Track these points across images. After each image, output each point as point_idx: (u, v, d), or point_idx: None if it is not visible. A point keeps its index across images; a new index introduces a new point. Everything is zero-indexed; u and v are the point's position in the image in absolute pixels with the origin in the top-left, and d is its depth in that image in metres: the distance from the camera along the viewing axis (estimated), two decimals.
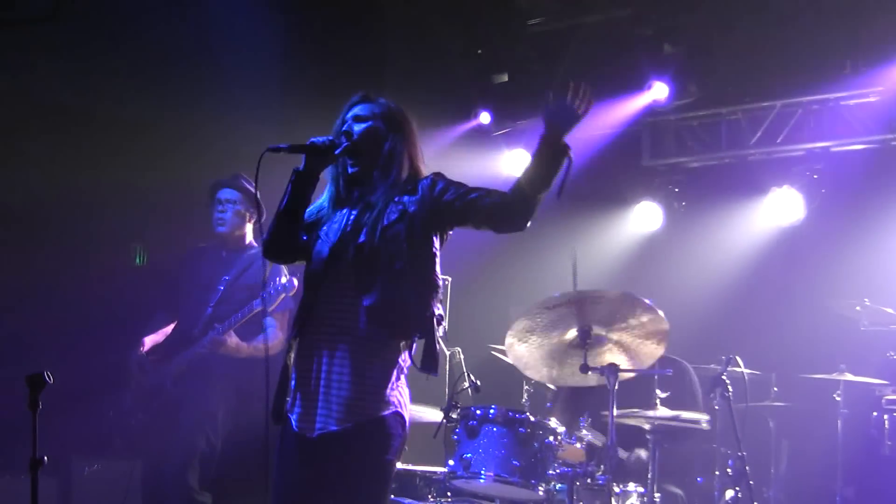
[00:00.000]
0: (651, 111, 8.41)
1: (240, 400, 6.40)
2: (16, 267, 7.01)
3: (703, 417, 5.92)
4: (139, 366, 6.41)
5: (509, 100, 8.77)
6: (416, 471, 6.05)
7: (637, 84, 8.25)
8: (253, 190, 6.41)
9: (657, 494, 5.69)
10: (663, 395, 5.85)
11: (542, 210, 9.32)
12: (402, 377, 4.08)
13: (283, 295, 6.07)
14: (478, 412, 5.65)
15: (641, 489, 5.76)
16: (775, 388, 7.10)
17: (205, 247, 6.58)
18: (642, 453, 6.18)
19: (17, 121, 7.14)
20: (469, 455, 5.56)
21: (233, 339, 6.13)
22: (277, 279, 6.09)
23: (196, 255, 6.58)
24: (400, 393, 4.06)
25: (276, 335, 6.33)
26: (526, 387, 6.51)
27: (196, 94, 7.69)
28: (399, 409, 4.03)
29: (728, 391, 5.78)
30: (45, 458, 3.89)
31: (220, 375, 6.25)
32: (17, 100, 7.02)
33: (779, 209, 8.21)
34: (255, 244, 6.51)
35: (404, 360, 4.07)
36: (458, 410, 5.75)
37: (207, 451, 6.22)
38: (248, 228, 6.52)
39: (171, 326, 6.50)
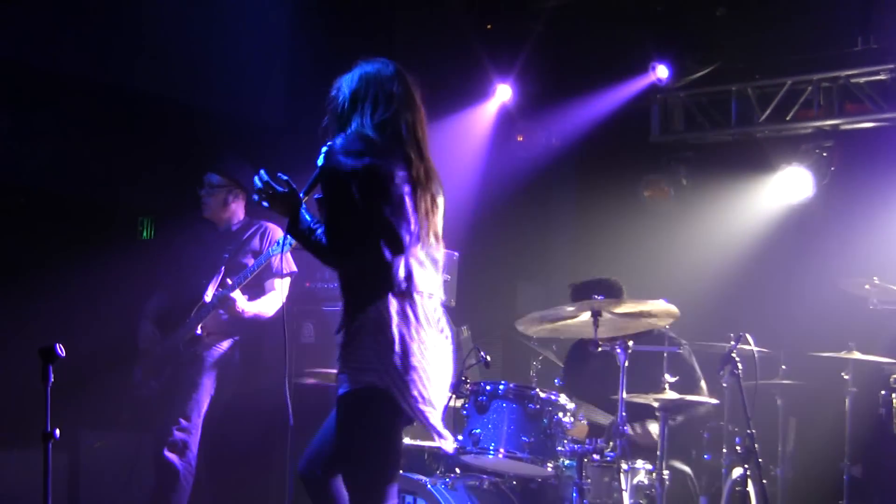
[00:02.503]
0: (661, 87, 8.39)
1: (246, 365, 6.45)
2: (26, 241, 7.00)
3: (708, 400, 5.96)
4: (150, 337, 6.42)
5: (523, 76, 8.74)
6: (424, 446, 6.05)
7: (642, 64, 8.25)
8: (234, 175, 6.43)
9: (665, 472, 5.69)
10: (672, 380, 5.83)
11: (552, 186, 9.35)
12: (390, 351, 3.99)
13: (276, 255, 6.05)
14: (488, 388, 5.65)
15: (650, 466, 5.77)
16: (783, 366, 7.08)
17: (204, 226, 6.57)
18: (652, 427, 6.17)
19: (24, 95, 7.11)
20: (478, 431, 5.56)
21: (241, 297, 6.13)
22: (274, 240, 6.22)
23: (200, 231, 6.58)
24: (384, 367, 4.00)
25: (277, 300, 6.31)
26: (534, 363, 6.51)
27: (203, 66, 7.66)
28: (376, 385, 3.99)
29: (737, 369, 5.78)
30: (58, 431, 3.90)
31: (232, 339, 6.29)
32: (22, 74, 6.99)
33: (788, 187, 8.19)
34: (251, 219, 6.52)
35: (385, 333, 4.01)
36: (468, 386, 5.75)
37: (207, 411, 6.24)
38: (238, 207, 6.52)
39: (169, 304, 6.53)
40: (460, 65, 8.65)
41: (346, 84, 4.27)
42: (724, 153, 8.60)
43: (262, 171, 4.22)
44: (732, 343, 5.89)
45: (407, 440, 6.09)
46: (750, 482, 6.00)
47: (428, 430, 4.15)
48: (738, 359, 5.78)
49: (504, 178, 8.69)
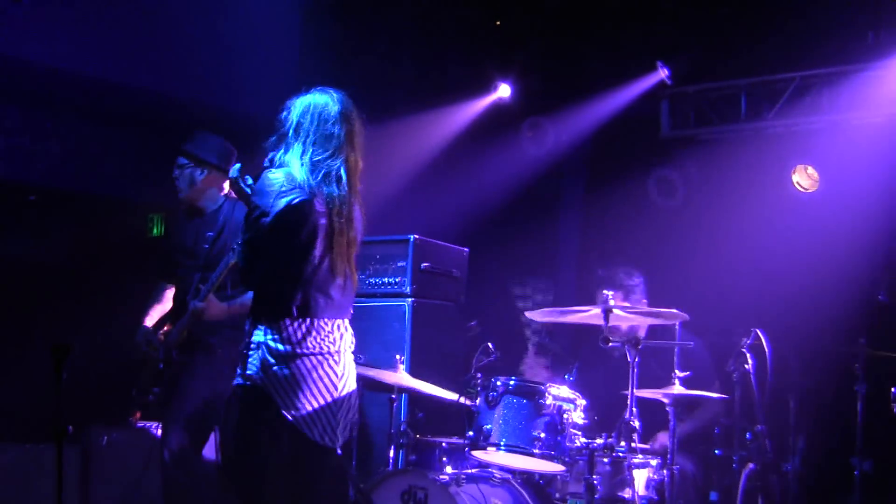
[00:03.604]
0: (670, 83, 8.38)
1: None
2: (37, 238, 7.02)
3: (715, 395, 5.95)
4: (147, 340, 6.35)
5: (530, 73, 8.74)
6: (435, 441, 6.07)
7: (652, 61, 8.25)
8: (199, 153, 6.29)
9: (675, 466, 5.68)
10: (682, 375, 5.82)
11: (561, 182, 9.33)
12: (279, 368, 4.42)
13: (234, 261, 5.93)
14: (498, 383, 5.65)
15: (659, 460, 5.77)
16: (794, 362, 7.06)
17: (192, 214, 6.45)
18: (664, 437, 6.16)
19: (34, 94, 7.13)
20: (489, 426, 5.57)
21: (212, 303, 5.92)
22: None
23: (182, 221, 6.47)
24: (269, 378, 4.42)
25: None
26: (544, 359, 6.51)
27: (212, 63, 7.68)
28: (260, 391, 4.42)
29: (748, 364, 5.77)
30: (70, 427, 3.94)
31: (223, 340, 6.18)
32: (33, 73, 7.01)
33: (798, 181, 8.17)
34: (231, 200, 6.38)
35: (275, 351, 4.43)
36: (478, 381, 5.76)
37: (208, 419, 6.13)
38: (211, 185, 6.40)
39: (171, 293, 6.44)
40: (467, 61, 8.66)
41: (294, 111, 4.59)
42: (735, 149, 8.58)
43: (237, 166, 4.63)
44: (744, 339, 5.88)
45: (418, 436, 6.13)
46: (761, 477, 5.99)
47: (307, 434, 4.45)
48: (748, 354, 5.77)
49: (513, 174, 8.69)
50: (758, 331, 5.86)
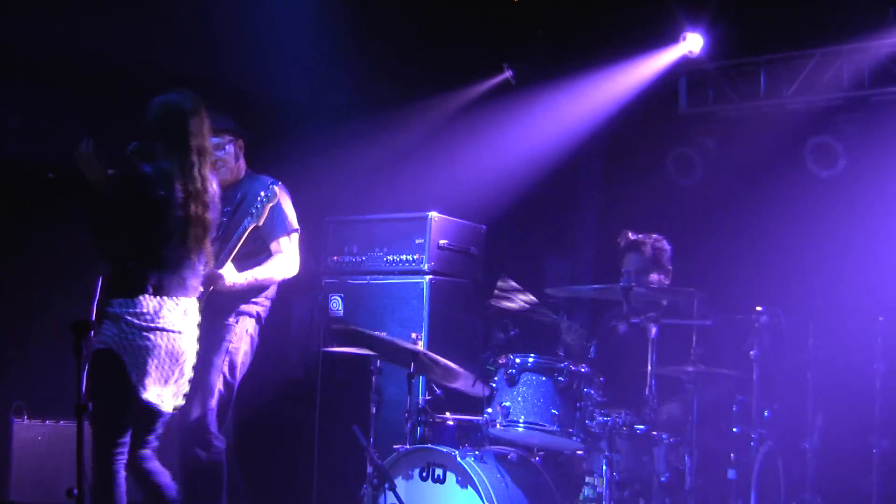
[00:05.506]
0: (689, 59, 8.34)
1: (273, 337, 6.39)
2: (56, 215, 7.04)
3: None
4: None
5: (541, 53, 8.70)
6: (454, 419, 6.08)
7: (671, 36, 8.20)
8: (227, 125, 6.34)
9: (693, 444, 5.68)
10: (700, 351, 5.80)
11: (579, 160, 9.32)
12: (125, 328, 4.92)
13: (268, 205, 5.91)
14: (517, 360, 5.67)
15: (679, 438, 5.76)
16: (812, 339, 7.04)
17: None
18: (671, 406, 6.15)
19: (51, 73, 7.14)
20: (508, 403, 5.58)
21: (229, 272, 5.90)
22: (262, 193, 5.95)
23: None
24: (121, 342, 4.92)
25: (283, 263, 6.20)
26: (563, 336, 6.50)
27: (227, 43, 7.67)
28: (101, 347, 4.92)
29: (766, 341, 5.75)
30: (91, 403, 3.97)
31: (240, 313, 6.17)
32: (49, 52, 7.01)
33: (817, 157, 8.12)
34: (251, 172, 6.39)
35: (125, 320, 4.93)
36: (497, 359, 5.76)
37: (224, 393, 6.11)
38: (241, 158, 6.37)
39: None
40: (484, 37, 8.62)
41: (154, 111, 5.17)
42: (754, 126, 8.53)
43: (90, 141, 5.24)
44: (762, 316, 5.86)
45: (437, 413, 6.14)
46: (779, 455, 5.99)
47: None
48: (767, 331, 5.75)
49: (532, 151, 8.67)
50: (776, 307, 5.84)
